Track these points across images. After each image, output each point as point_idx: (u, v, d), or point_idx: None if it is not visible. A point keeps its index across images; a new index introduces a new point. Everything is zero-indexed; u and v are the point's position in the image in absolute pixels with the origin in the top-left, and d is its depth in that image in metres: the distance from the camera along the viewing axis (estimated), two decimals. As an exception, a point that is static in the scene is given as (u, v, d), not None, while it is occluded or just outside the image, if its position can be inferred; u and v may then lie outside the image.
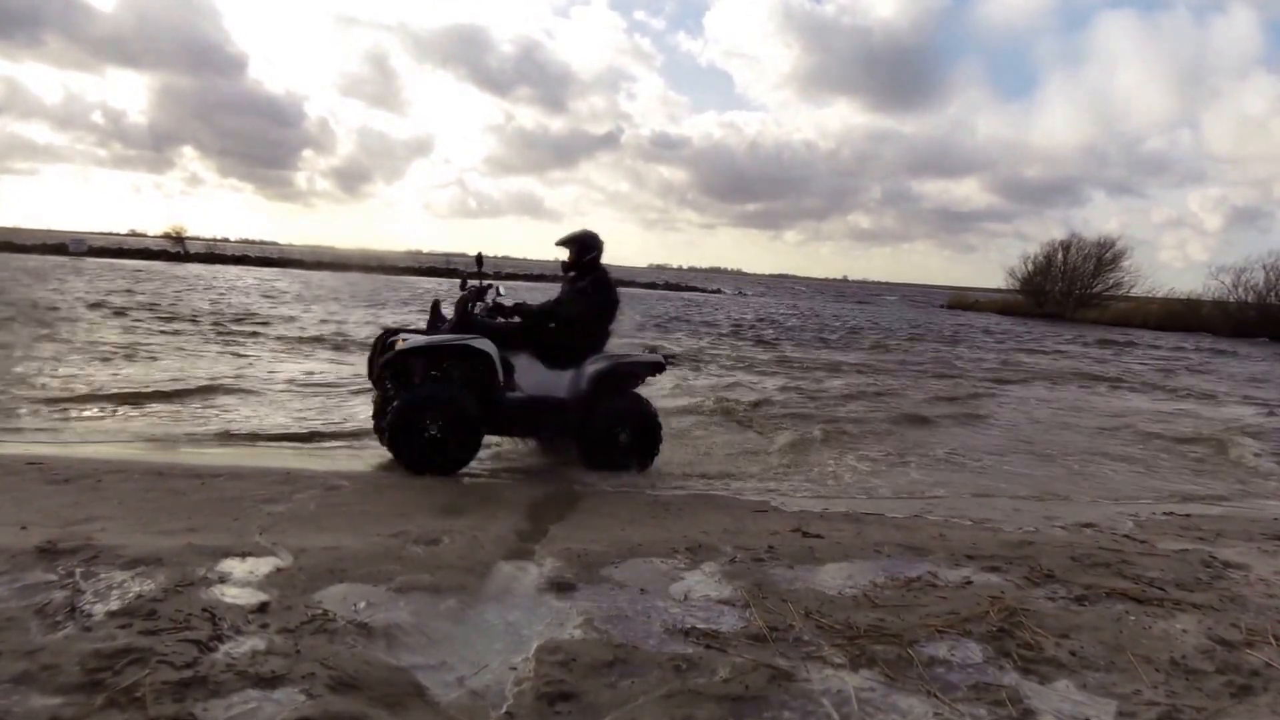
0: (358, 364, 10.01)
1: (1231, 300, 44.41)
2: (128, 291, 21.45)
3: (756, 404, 9.43)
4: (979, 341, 25.31)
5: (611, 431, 5.56)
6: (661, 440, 5.76)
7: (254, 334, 13.94)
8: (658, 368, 5.85)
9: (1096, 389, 13.81)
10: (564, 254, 5.81)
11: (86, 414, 6.88)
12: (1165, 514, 5.36)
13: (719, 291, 64.14)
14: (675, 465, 6.08)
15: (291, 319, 17.18)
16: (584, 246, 5.75)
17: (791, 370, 13.51)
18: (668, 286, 64.31)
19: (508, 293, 6.03)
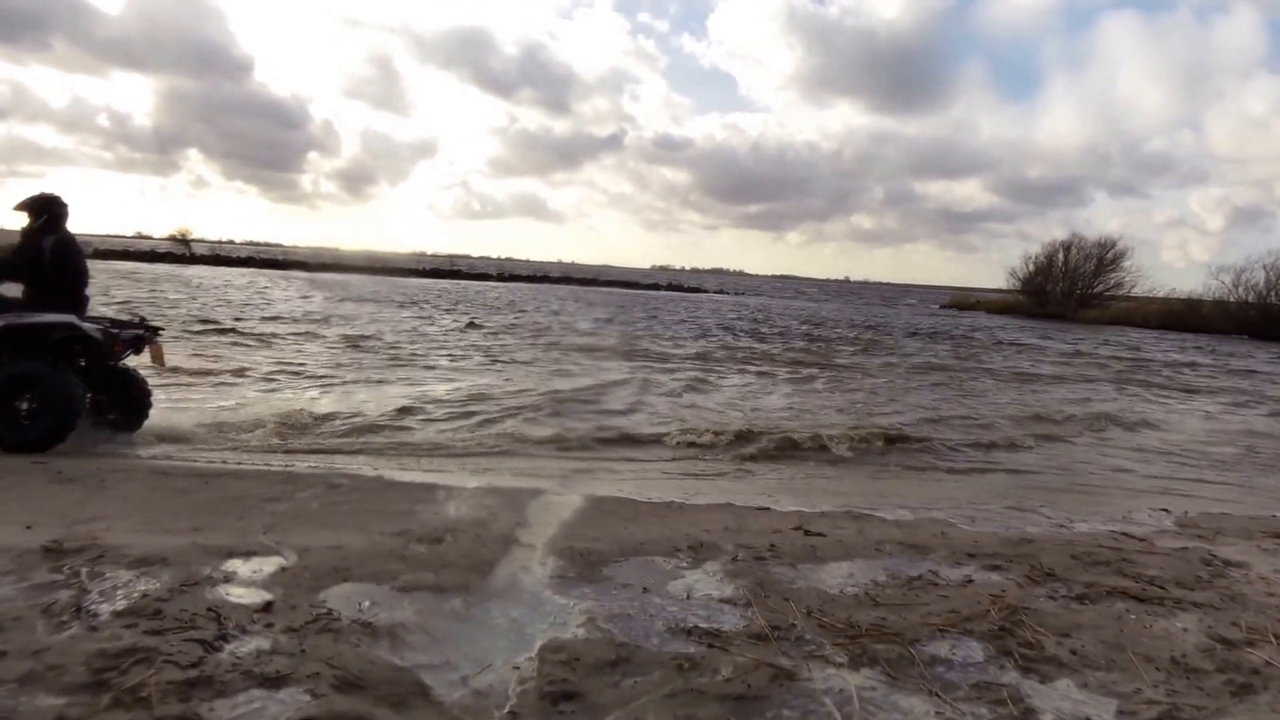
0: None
1: (1232, 300, 44.54)
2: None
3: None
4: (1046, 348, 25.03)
5: (4, 401, 5.21)
6: (76, 418, 5.35)
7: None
8: (69, 329, 5.37)
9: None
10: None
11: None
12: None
13: (721, 292, 64.62)
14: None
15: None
16: (37, 210, 5.67)
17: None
18: (670, 287, 64.95)
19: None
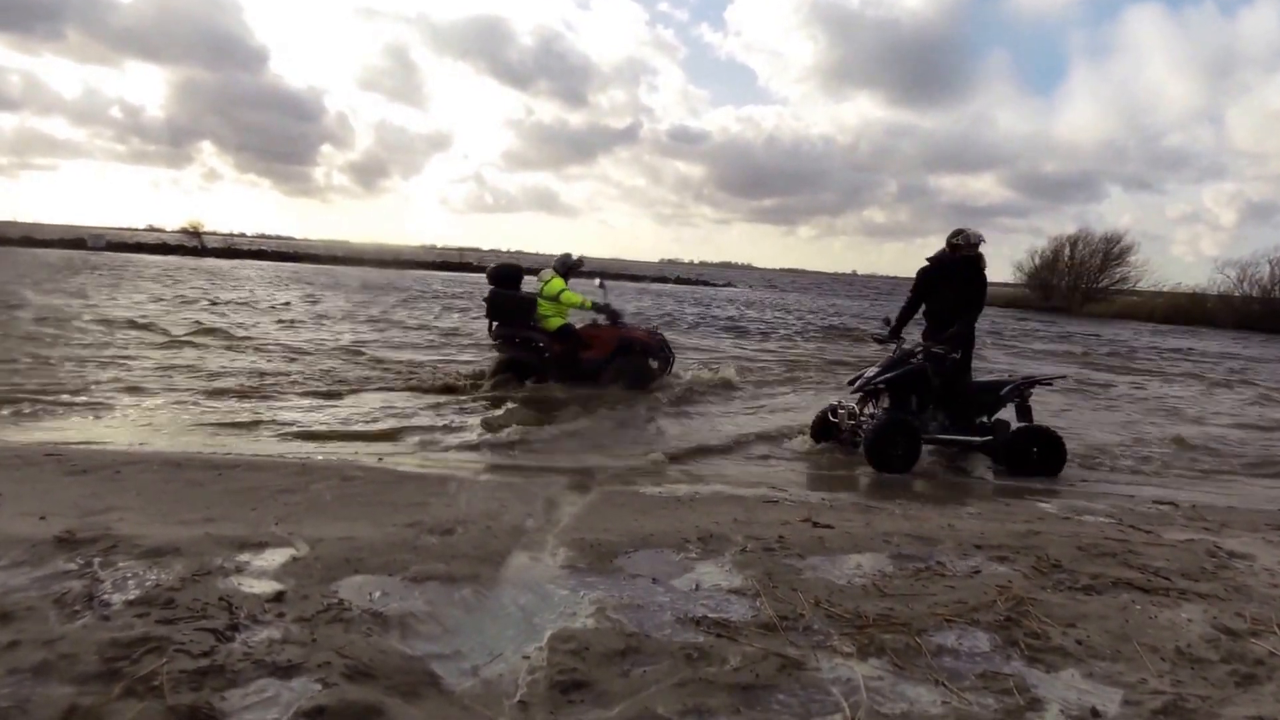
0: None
1: (1236, 295, 44.41)
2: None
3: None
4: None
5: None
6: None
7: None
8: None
9: None
10: None
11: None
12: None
13: (729, 285, 64.64)
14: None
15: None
16: None
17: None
18: (678, 281, 64.88)
19: None
